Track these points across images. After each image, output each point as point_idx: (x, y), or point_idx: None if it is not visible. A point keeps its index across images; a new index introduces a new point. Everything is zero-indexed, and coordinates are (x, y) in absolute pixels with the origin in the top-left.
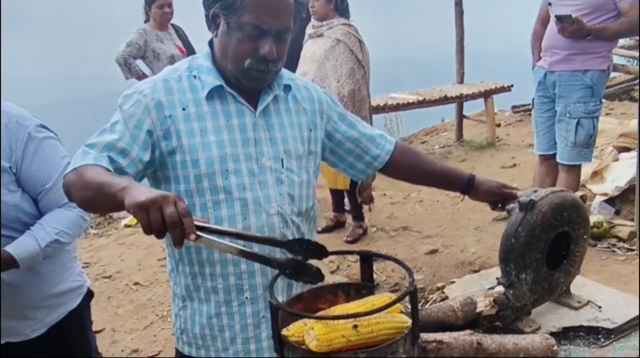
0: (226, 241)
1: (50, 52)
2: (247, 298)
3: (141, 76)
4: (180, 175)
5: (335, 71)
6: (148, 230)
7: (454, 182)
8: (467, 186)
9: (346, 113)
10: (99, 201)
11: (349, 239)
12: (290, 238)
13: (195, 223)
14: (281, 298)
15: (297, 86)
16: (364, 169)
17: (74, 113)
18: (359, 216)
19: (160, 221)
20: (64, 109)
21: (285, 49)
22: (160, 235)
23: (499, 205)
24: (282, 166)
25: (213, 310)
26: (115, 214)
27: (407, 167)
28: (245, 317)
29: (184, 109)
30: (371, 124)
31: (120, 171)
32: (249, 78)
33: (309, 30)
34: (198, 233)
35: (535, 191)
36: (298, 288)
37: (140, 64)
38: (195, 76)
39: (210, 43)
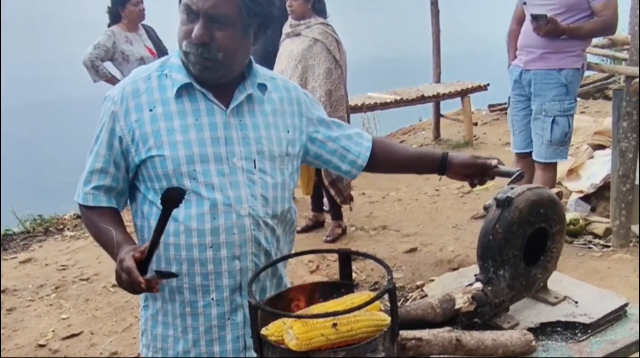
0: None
1: (13, 53)
2: (212, 299)
3: (110, 78)
4: (152, 174)
5: (312, 70)
6: (134, 292)
7: (429, 163)
8: (442, 164)
9: (324, 114)
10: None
11: (328, 238)
12: (263, 241)
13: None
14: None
15: (277, 86)
16: (349, 170)
17: (37, 116)
18: (337, 216)
19: (129, 284)
20: (29, 113)
21: (228, 39)
22: (142, 291)
23: (477, 180)
24: (255, 166)
25: (178, 310)
26: None
27: (386, 159)
28: (210, 319)
29: (150, 110)
30: (349, 124)
31: (109, 189)
32: (193, 64)
33: (285, 29)
34: (146, 277)
35: (512, 188)
36: (272, 291)
37: (109, 66)
38: (166, 75)
39: None
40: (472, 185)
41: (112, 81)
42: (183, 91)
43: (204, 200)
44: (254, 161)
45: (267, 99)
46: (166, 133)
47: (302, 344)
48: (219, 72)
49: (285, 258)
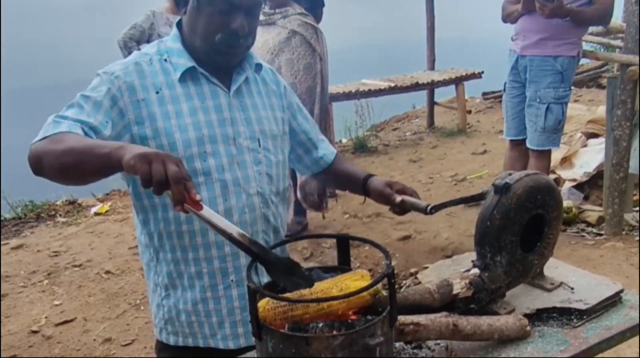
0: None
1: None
2: (232, 281)
3: None
4: None
5: (291, 65)
6: (147, 182)
7: (356, 184)
8: (364, 187)
9: (301, 105)
10: (85, 165)
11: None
12: (271, 218)
13: None
14: (267, 279)
15: (265, 69)
16: (310, 166)
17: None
18: (299, 211)
19: (162, 174)
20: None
21: (256, 25)
22: (159, 189)
23: (397, 209)
24: (259, 145)
25: (198, 295)
26: (84, 203)
27: (338, 173)
28: (232, 300)
29: (157, 92)
30: (331, 115)
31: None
32: (219, 53)
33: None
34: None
35: (510, 174)
36: None
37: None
38: (165, 60)
39: (178, 25)
40: (395, 213)
41: None
42: (186, 74)
43: (214, 183)
44: (258, 140)
45: (260, 80)
46: (175, 116)
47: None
48: (240, 56)
49: (283, 243)
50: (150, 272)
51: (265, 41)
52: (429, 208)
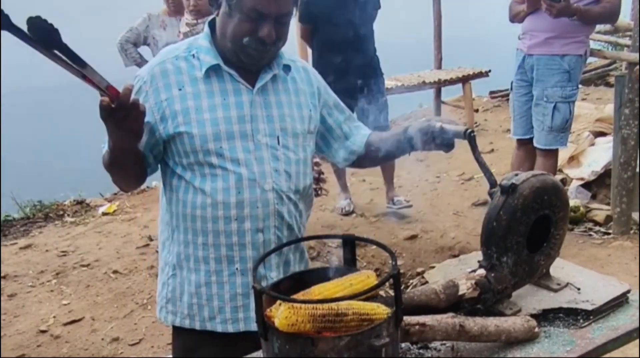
0: None
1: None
2: (237, 269)
3: (140, 63)
4: (180, 150)
5: None
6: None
7: (401, 144)
8: (407, 140)
9: (338, 100)
10: (115, 161)
11: None
12: (286, 214)
13: None
14: (275, 274)
15: (297, 68)
16: (347, 157)
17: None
18: None
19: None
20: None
21: (286, 31)
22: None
23: (437, 144)
24: (278, 142)
25: (203, 278)
26: (92, 203)
27: (376, 149)
28: (235, 287)
29: (180, 89)
30: None
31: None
32: (247, 55)
33: (183, 28)
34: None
35: (517, 175)
36: (295, 265)
37: (147, 51)
38: (194, 55)
39: (211, 24)
40: (445, 150)
41: (143, 65)
42: (211, 71)
43: (229, 174)
44: (278, 137)
45: (290, 79)
46: (194, 112)
47: (284, 325)
48: (268, 58)
49: (289, 243)
50: (164, 251)
51: None
52: (468, 131)
